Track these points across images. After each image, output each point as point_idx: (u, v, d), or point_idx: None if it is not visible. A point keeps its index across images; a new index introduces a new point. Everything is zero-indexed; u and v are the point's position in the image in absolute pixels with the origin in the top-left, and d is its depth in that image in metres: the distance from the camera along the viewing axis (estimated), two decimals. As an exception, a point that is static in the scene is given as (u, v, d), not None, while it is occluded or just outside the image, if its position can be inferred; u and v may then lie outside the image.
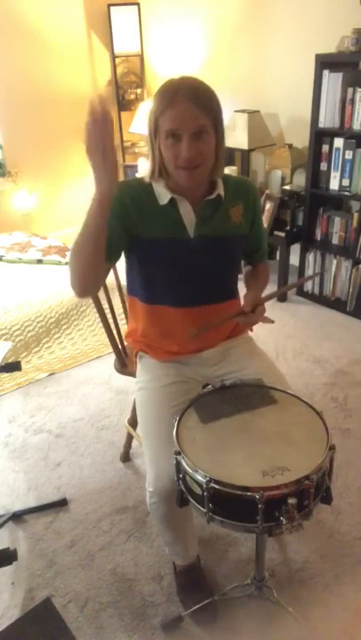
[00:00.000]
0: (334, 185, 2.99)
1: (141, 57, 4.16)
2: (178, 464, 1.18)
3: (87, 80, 4.12)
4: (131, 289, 1.54)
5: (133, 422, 1.96)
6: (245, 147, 3.32)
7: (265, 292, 1.52)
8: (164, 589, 1.62)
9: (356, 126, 2.77)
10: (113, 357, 1.89)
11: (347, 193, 2.96)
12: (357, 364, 2.69)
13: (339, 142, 2.89)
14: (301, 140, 3.27)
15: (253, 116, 3.31)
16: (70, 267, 1.32)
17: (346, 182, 2.93)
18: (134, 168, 4.18)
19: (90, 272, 1.32)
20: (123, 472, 2.07)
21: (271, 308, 1.43)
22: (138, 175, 3.91)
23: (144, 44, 4.13)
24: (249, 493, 1.05)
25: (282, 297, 3.37)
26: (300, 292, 3.44)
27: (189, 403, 1.32)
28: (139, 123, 3.90)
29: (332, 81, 2.79)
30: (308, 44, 3.08)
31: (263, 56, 3.42)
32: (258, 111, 3.37)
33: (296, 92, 3.24)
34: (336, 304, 3.25)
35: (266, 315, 1.40)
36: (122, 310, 2.07)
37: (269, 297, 1.43)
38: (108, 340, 1.85)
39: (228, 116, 3.00)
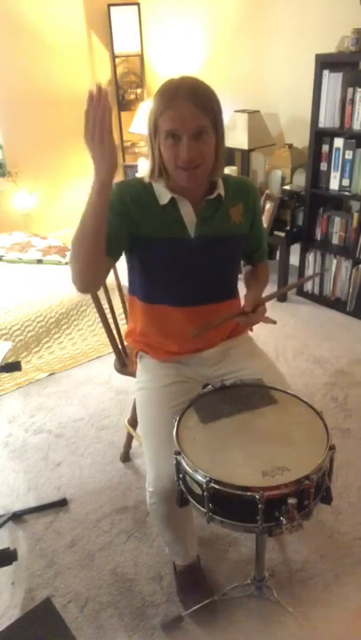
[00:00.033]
0: (334, 185, 2.99)
1: (141, 57, 4.16)
2: (178, 464, 1.18)
3: (87, 80, 4.12)
4: (131, 288, 1.54)
5: (133, 422, 1.96)
6: (245, 147, 3.32)
7: (265, 292, 1.52)
8: (164, 589, 1.62)
9: (356, 126, 2.77)
10: (113, 357, 1.89)
11: (347, 193, 2.96)
12: (357, 364, 2.69)
13: (339, 142, 2.89)
14: (301, 139, 3.27)
15: (253, 116, 3.31)
16: (71, 261, 1.31)
17: (346, 182, 2.93)
18: (134, 168, 4.19)
19: (90, 267, 1.31)
20: (123, 472, 2.07)
21: (271, 308, 1.43)
22: (138, 175, 3.91)
23: (144, 43, 4.13)
24: (249, 493, 1.05)
25: (282, 297, 3.37)
26: (300, 292, 3.44)
27: (189, 403, 1.32)
28: (139, 123, 3.90)
29: (332, 81, 2.79)
30: (308, 44, 3.08)
31: (263, 56, 3.42)
32: (258, 111, 3.37)
33: (296, 92, 3.24)
34: (336, 304, 3.25)
35: (266, 315, 1.40)
36: (122, 310, 2.07)
37: (270, 297, 1.43)
38: (108, 339, 1.85)
39: (228, 116, 3.00)
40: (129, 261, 1.49)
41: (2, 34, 3.58)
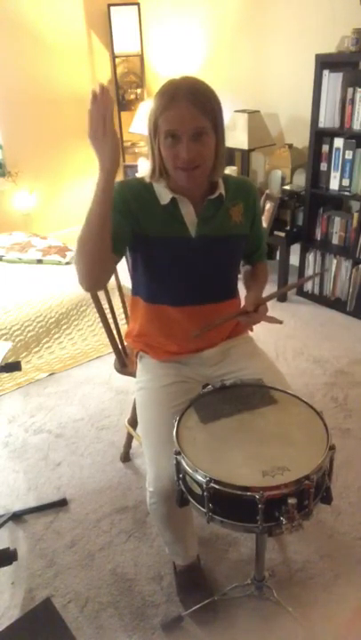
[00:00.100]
0: (334, 185, 2.99)
1: (141, 57, 4.17)
2: (178, 464, 1.18)
3: (87, 80, 4.12)
4: (135, 289, 1.54)
5: (133, 422, 1.96)
6: (245, 147, 3.32)
7: (265, 292, 1.52)
8: (164, 589, 1.62)
9: (356, 126, 2.77)
10: (113, 357, 1.89)
11: (347, 193, 2.96)
12: (357, 364, 2.69)
13: (339, 142, 2.89)
14: (301, 139, 3.27)
15: (253, 116, 3.31)
16: (76, 261, 1.30)
17: (346, 182, 2.93)
18: (134, 168, 4.19)
19: (96, 264, 1.30)
20: (123, 472, 2.07)
21: (271, 309, 1.43)
22: (138, 175, 3.91)
23: (144, 43, 4.14)
24: (249, 493, 1.05)
25: (282, 297, 3.37)
26: (300, 292, 3.44)
27: (189, 403, 1.32)
28: (139, 123, 3.90)
29: (332, 81, 2.79)
30: (308, 44, 3.08)
31: (263, 56, 3.42)
32: (258, 111, 3.37)
33: (296, 92, 3.24)
34: (336, 304, 3.25)
35: (267, 315, 1.40)
36: (122, 310, 2.07)
37: (271, 297, 1.43)
38: (108, 339, 1.85)
39: (228, 116, 3.00)
40: (132, 261, 1.49)
41: (2, 34, 3.58)
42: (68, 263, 3.24)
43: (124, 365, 1.86)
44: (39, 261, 3.22)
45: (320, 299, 3.34)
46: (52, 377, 2.69)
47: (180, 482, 1.20)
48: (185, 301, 1.47)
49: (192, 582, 1.59)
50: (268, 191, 3.29)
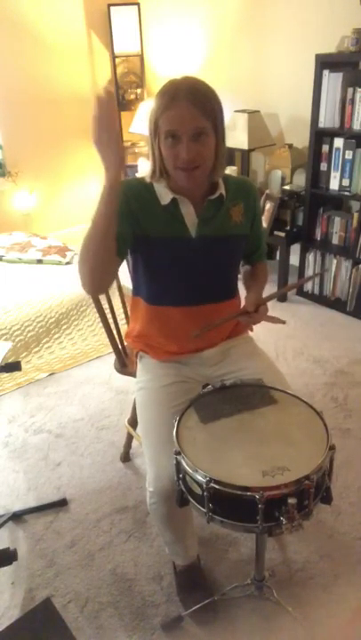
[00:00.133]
0: (334, 185, 2.99)
1: (141, 57, 4.16)
2: (178, 464, 1.18)
3: (87, 80, 4.12)
4: (136, 290, 1.54)
5: (133, 422, 1.96)
6: (245, 147, 3.32)
7: (265, 292, 1.52)
8: (164, 589, 1.62)
9: (356, 126, 2.77)
10: (113, 357, 1.89)
11: (347, 193, 2.96)
12: (357, 364, 2.69)
13: (339, 142, 2.89)
14: (301, 139, 3.26)
15: (253, 116, 3.31)
16: (80, 264, 1.30)
17: (346, 182, 2.93)
18: (134, 168, 4.18)
19: (99, 268, 1.31)
20: (123, 472, 2.07)
21: (271, 309, 1.43)
22: (138, 175, 3.91)
23: (144, 43, 4.14)
24: (249, 493, 1.05)
25: (282, 297, 3.38)
26: (300, 292, 3.44)
27: (189, 403, 1.32)
28: (139, 123, 3.90)
29: (332, 81, 2.79)
30: (308, 44, 3.08)
31: (263, 56, 3.42)
32: (258, 111, 3.37)
33: (296, 92, 3.24)
34: (336, 304, 3.25)
35: (268, 315, 1.40)
36: (122, 310, 2.07)
37: (271, 297, 1.43)
38: (108, 339, 1.85)
39: (228, 116, 3.00)
40: (133, 262, 1.48)
41: (2, 34, 3.58)
42: (68, 263, 3.24)
43: (124, 365, 1.86)
44: (39, 261, 3.22)
45: (320, 299, 3.34)
46: (52, 377, 2.69)
47: (180, 482, 1.20)
48: (185, 302, 1.47)
49: (192, 582, 1.59)
50: (268, 191, 3.29)
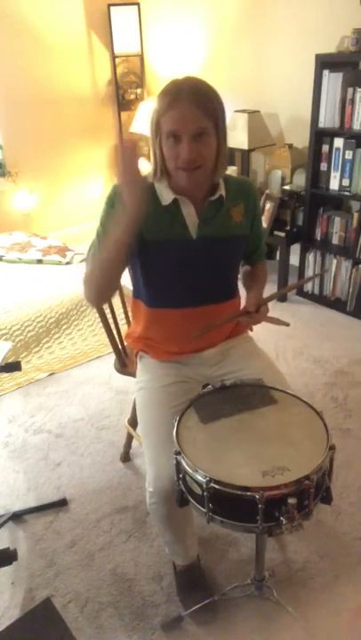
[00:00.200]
0: (334, 185, 2.99)
1: (141, 57, 4.17)
2: (178, 464, 1.18)
3: (87, 80, 4.12)
4: (136, 292, 1.54)
5: (133, 422, 1.96)
6: (245, 147, 3.32)
7: (265, 292, 1.52)
8: (164, 589, 1.62)
9: (356, 126, 2.77)
10: (113, 357, 1.89)
11: (347, 193, 2.96)
12: (357, 364, 2.69)
13: (339, 142, 2.89)
14: (301, 139, 3.27)
15: (253, 116, 3.31)
16: (86, 280, 1.39)
17: (346, 182, 2.93)
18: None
19: (106, 287, 1.40)
20: (123, 472, 2.07)
21: (272, 309, 1.43)
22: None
23: (144, 44, 4.14)
24: (249, 493, 1.05)
25: (282, 297, 3.38)
26: (300, 292, 3.44)
27: (189, 403, 1.32)
28: (139, 123, 3.90)
29: (332, 81, 2.79)
30: (308, 44, 3.07)
31: (263, 56, 3.42)
32: (258, 111, 3.37)
33: (296, 92, 3.24)
34: (336, 304, 3.25)
35: (268, 315, 1.40)
36: (122, 310, 2.07)
37: (272, 297, 1.44)
38: (108, 339, 1.85)
39: (228, 116, 2.99)
40: (132, 264, 1.48)
41: (2, 34, 3.58)
42: (68, 263, 3.24)
43: (124, 365, 1.86)
44: (39, 261, 3.22)
45: (320, 299, 3.34)
46: (52, 377, 2.69)
47: (180, 482, 1.20)
48: (186, 303, 1.47)
49: (192, 582, 1.59)
50: (268, 191, 3.29)
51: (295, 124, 3.37)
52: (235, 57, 3.59)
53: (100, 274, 1.36)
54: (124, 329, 1.89)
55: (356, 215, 3.00)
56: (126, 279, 1.57)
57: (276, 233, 3.27)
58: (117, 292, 1.95)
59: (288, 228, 3.27)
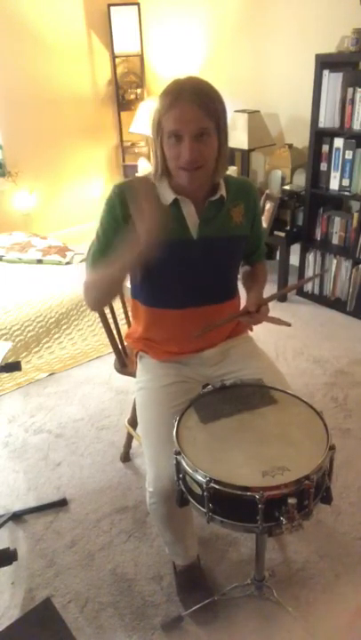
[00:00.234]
0: (334, 185, 2.99)
1: (141, 57, 4.17)
2: (178, 464, 1.18)
3: (87, 80, 4.12)
4: (133, 292, 1.54)
5: (133, 422, 1.96)
6: (245, 147, 3.32)
7: (265, 292, 1.52)
8: (164, 589, 1.62)
9: (356, 126, 2.77)
10: (113, 357, 1.89)
11: (347, 193, 2.96)
12: (357, 364, 2.69)
13: (339, 142, 2.89)
14: (301, 139, 3.27)
15: (253, 116, 3.31)
16: (86, 293, 1.43)
17: (346, 182, 2.93)
18: (134, 168, 4.19)
19: (106, 298, 1.48)
20: (123, 472, 2.07)
21: (272, 309, 1.43)
22: (138, 174, 3.91)
23: (144, 44, 4.14)
24: (249, 493, 1.05)
25: (282, 297, 3.38)
26: (301, 293, 3.44)
27: (189, 403, 1.32)
28: (139, 123, 3.90)
29: (332, 81, 2.79)
30: (308, 44, 3.08)
31: (263, 56, 3.42)
32: (258, 111, 3.37)
33: (296, 92, 3.24)
34: (336, 304, 3.25)
35: (269, 315, 1.40)
36: (122, 310, 2.07)
37: (272, 297, 1.44)
38: (108, 339, 1.85)
39: (228, 116, 3.00)
40: None
41: (2, 34, 3.58)
42: (68, 263, 3.24)
43: (124, 365, 1.86)
44: (39, 261, 3.22)
45: (320, 299, 3.34)
46: (52, 377, 2.69)
47: (180, 482, 1.20)
48: (186, 303, 1.47)
49: (192, 582, 1.59)
50: (268, 191, 3.29)
51: (295, 123, 3.37)
52: (235, 57, 3.59)
53: (102, 287, 1.38)
54: (124, 329, 1.89)
55: (356, 215, 3.00)
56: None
57: (276, 233, 3.27)
58: (118, 294, 1.96)
59: (288, 228, 3.27)
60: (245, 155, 3.54)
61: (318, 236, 3.24)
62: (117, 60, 4.15)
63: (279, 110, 3.46)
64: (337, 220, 3.13)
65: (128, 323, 1.88)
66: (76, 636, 1.41)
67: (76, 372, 2.73)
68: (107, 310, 1.83)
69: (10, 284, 2.93)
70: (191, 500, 1.18)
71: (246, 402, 1.31)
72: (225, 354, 1.57)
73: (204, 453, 1.16)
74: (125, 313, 1.97)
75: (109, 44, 4.10)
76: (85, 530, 1.83)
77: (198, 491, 1.12)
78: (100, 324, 2.70)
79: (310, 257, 3.29)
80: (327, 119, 2.88)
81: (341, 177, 2.94)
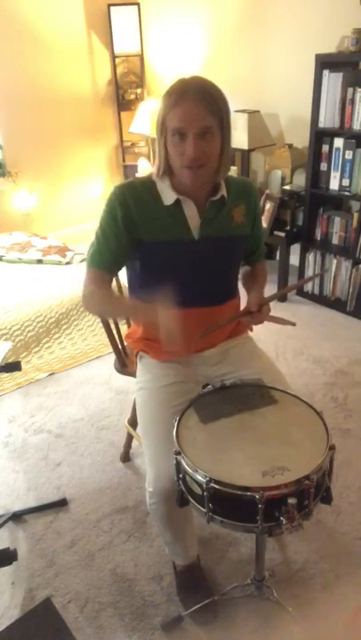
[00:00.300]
0: (334, 185, 2.99)
1: (141, 57, 4.17)
2: (178, 464, 1.18)
3: (87, 80, 4.12)
4: (133, 291, 1.54)
5: (133, 422, 1.96)
6: (245, 147, 3.32)
7: (265, 292, 1.52)
8: (164, 589, 1.62)
9: (356, 126, 2.77)
10: (113, 357, 1.89)
11: (347, 193, 2.96)
12: (357, 364, 2.69)
13: (339, 142, 2.89)
14: (301, 139, 3.27)
15: (253, 116, 3.31)
16: (88, 306, 1.51)
17: (346, 182, 2.93)
18: (134, 168, 4.19)
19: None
20: (123, 472, 2.07)
21: (272, 309, 1.43)
22: (138, 175, 3.91)
23: (144, 44, 4.14)
24: (249, 493, 1.05)
25: (282, 297, 3.38)
26: (301, 292, 3.44)
27: (189, 403, 1.32)
28: (139, 123, 3.90)
29: (332, 81, 2.79)
30: (308, 44, 3.08)
31: (263, 56, 3.42)
32: (258, 111, 3.37)
33: (296, 92, 3.24)
34: (336, 304, 3.25)
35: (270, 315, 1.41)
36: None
37: (273, 297, 1.44)
38: (108, 339, 1.85)
39: (228, 116, 3.00)
40: (130, 265, 1.48)
41: (2, 34, 3.58)
42: (68, 263, 3.24)
43: (124, 365, 1.86)
44: (39, 261, 3.22)
45: (320, 299, 3.34)
46: (52, 377, 2.69)
47: (180, 482, 1.20)
48: (186, 303, 1.46)
49: (192, 582, 1.59)
50: (268, 191, 3.29)
51: (295, 123, 3.37)
52: (235, 57, 3.59)
53: (107, 312, 1.54)
54: (123, 329, 1.89)
55: (356, 215, 3.00)
56: (126, 278, 1.57)
57: (276, 233, 3.27)
58: (117, 292, 1.96)
59: (288, 228, 3.27)
60: (245, 155, 3.54)
61: (318, 236, 3.24)
62: (117, 60, 4.15)
63: (279, 110, 3.46)
64: (337, 219, 3.13)
65: (128, 323, 1.88)
66: (76, 636, 1.41)
67: (76, 372, 2.73)
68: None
69: (10, 284, 2.93)
70: (191, 500, 1.18)
71: (246, 402, 1.31)
72: (225, 354, 1.57)
73: (204, 453, 1.16)
74: (125, 313, 1.97)
75: (109, 44, 4.11)
76: (85, 530, 1.83)
77: (198, 491, 1.12)
78: (100, 324, 2.71)
79: (310, 257, 3.29)
80: (327, 119, 2.88)
81: (341, 177, 2.94)
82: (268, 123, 3.44)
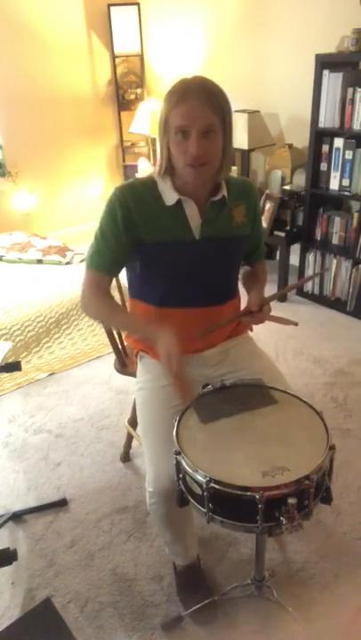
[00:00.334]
0: (334, 185, 2.99)
1: (141, 57, 4.17)
2: (178, 464, 1.18)
3: (87, 80, 4.13)
4: (133, 292, 1.54)
5: (133, 422, 1.96)
6: (245, 147, 3.32)
7: (265, 292, 1.52)
8: (164, 589, 1.62)
9: (356, 126, 2.77)
10: (113, 357, 1.89)
11: (347, 193, 2.96)
12: (357, 364, 2.69)
13: (339, 142, 2.89)
14: (301, 139, 3.27)
15: (253, 116, 3.31)
16: (87, 312, 1.49)
17: (346, 182, 2.93)
18: (134, 168, 4.19)
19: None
20: (123, 472, 2.07)
21: (272, 309, 1.43)
22: (138, 175, 3.91)
23: (144, 44, 4.14)
24: (249, 493, 1.05)
25: (282, 297, 3.38)
26: (301, 292, 3.44)
27: (189, 403, 1.32)
28: (139, 123, 3.90)
29: (332, 81, 2.79)
30: (308, 44, 3.08)
31: (263, 56, 3.42)
32: (258, 111, 3.37)
33: (296, 92, 3.24)
34: (336, 304, 3.25)
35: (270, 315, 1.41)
36: (122, 310, 2.07)
37: (274, 297, 1.44)
38: (108, 339, 1.85)
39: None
40: (130, 266, 1.48)
41: (2, 34, 3.58)
42: (68, 263, 3.24)
43: (124, 365, 1.86)
44: (39, 261, 3.22)
45: (320, 299, 3.34)
46: (52, 377, 2.69)
47: (180, 482, 1.20)
48: (187, 304, 1.47)
49: (192, 582, 1.59)
50: (268, 191, 3.29)
51: (295, 124, 3.37)
52: (235, 57, 3.59)
53: (102, 323, 1.56)
54: (124, 329, 1.89)
55: (356, 215, 3.00)
56: (126, 278, 1.57)
57: (276, 233, 3.27)
58: (118, 294, 1.96)
59: (288, 228, 3.27)
60: (245, 155, 3.54)
61: (318, 236, 3.24)
62: (117, 60, 4.15)
63: (279, 110, 3.46)
64: (337, 219, 3.13)
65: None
66: (76, 636, 1.41)
67: (76, 372, 2.73)
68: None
69: (10, 284, 2.92)
70: (191, 500, 1.18)
71: (246, 402, 1.31)
72: (225, 354, 1.57)
73: (204, 453, 1.16)
74: (125, 313, 1.97)
75: (109, 44, 4.11)
76: (85, 530, 1.83)
77: (198, 491, 1.12)
78: (101, 324, 2.71)
79: (310, 257, 3.29)
80: (327, 119, 2.88)
81: (341, 177, 2.94)
82: (268, 123, 3.44)
